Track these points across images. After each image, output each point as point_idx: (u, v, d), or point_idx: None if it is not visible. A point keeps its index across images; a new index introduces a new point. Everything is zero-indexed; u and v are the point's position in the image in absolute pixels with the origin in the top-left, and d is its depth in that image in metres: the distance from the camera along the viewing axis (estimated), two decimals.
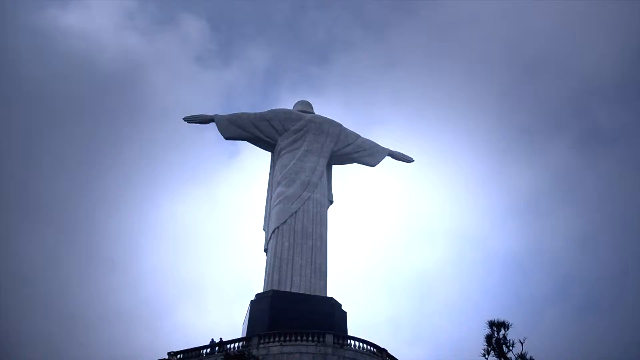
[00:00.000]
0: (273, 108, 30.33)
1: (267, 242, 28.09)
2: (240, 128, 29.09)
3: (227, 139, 29.30)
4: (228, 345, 23.34)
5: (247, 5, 68.50)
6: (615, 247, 53.99)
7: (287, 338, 22.90)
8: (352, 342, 23.34)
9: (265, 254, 28.17)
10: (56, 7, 64.41)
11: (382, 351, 23.72)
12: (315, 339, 22.70)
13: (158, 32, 65.93)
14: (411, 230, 58.38)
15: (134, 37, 63.31)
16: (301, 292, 26.04)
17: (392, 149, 31.87)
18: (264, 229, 28.79)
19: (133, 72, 60.47)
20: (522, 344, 16.64)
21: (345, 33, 68.27)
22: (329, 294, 26.78)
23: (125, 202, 49.79)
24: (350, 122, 32.32)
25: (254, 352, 21.70)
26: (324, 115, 30.90)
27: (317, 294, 26.30)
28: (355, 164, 31.25)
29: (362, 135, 31.12)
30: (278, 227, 27.40)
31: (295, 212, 27.58)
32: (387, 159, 31.52)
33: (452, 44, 62.17)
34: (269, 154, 30.23)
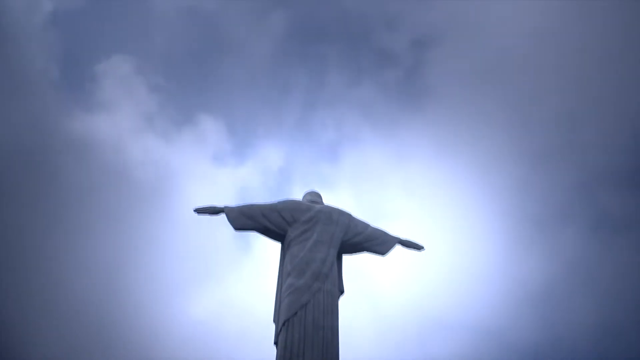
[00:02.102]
0: (283, 199, 30.58)
1: (277, 335, 27.31)
2: (250, 219, 28.91)
3: (236, 230, 29.05)
4: None
5: (261, 104, 70.70)
6: (636, 335, 53.29)
7: None
8: None
9: (275, 347, 27.57)
10: (83, 110, 66.98)
11: None
12: None
13: (176, 132, 68.34)
14: (424, 322, 57.76)
15: (153, 139, 65.55)
16: None
17: (403, 237, 31.77)
18: (274, 321, 28.22)
19: (152, 172, 62.33)
20: None
21: (354, 130, 70.15)
22: None
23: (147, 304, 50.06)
24: (361, 215, 32.56)
25: None
26: (333, 205, 31.01)
27: None
28: (365, 253, 31.15)
29: (372, 224, 31.08)
30: (288, 320, 26.69)
31: (306, 304, 26.95)
32: (398, 247, 31.29)
33: (459, 138, 63.49)
34: (279, 244, 30.16)
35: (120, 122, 62.57)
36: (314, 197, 30.38)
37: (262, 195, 67.49)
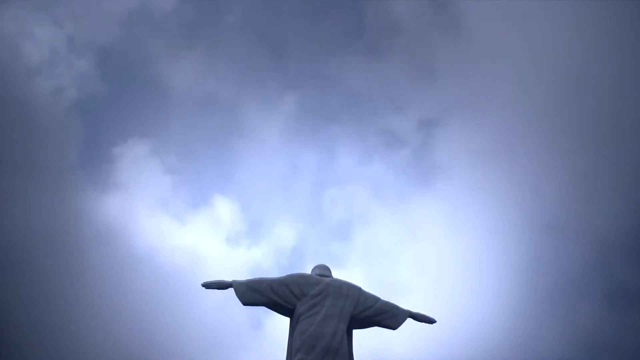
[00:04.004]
0: (291, 273, 30.42)
1: None
2: (258, 293, 28.63)
3: (245, 304, 28.72)
4: None
5: (274, 185, 72.00)
6: None
7: None
8: None
9: None
10: (98, 190, 68.67)
11: None
12: None
13: (190, 214, 69.33)
14: None
15: (168, 222, 66.47)
16: None
17: (414, 310, 31.18)
18: None
19: (167, 256, 62.82)
20: None
21: (365, 208, 70.72)
22: None
23: None
24: (373, 291, 32.39)
25: None
26: (342, 279, 30.72)
27: None
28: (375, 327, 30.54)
29: (382, 298, 30.64)
30: None
31: None
32: (410, 321, 30.67)
33: (470, 214, 63.61)
34: (287, 319, 29.73)
35: (135, 204, 63.95)
36: (323, 271, 30.18)
37: (275, 274, 67.13)
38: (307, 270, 30.87)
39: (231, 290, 28.11)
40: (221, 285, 27.99)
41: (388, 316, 29.03)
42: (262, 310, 29.50)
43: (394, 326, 29.09)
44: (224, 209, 70.76)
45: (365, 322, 28.77)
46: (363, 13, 69.83)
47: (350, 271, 59.03)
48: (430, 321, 29.74)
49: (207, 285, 27.96)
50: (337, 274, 31.61)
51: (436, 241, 64.81)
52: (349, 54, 69.13)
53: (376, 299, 29.62)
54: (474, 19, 67.03)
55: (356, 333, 29.48)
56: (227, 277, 28.35)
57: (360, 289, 29.59)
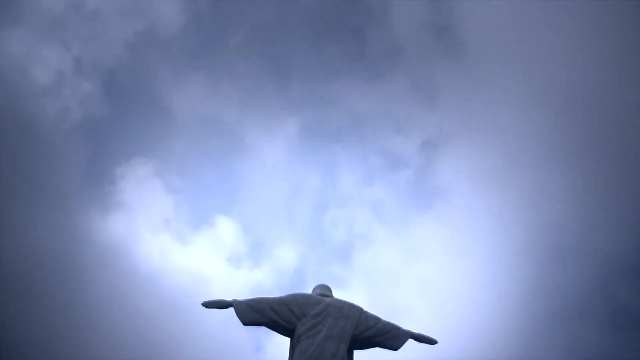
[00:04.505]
0: (292, 292, 30.37)
1: None
2: (258, 313, 28.50)
3: (245, 324, 28.57)
4: None
5: (275, 206, 72.25)
6: None
7: None
8: None
9: None
10: (101, 211, 69.13)
11: None
12: None
13: (192, 234, 69.62)
14: None
15: (170, 242, 66.78)
16: None
17: (415, 331, 31.04)
18: None
19: (169, 277, 63.00)
20: None
21: (366, 230, 70.82)
22: None
23: None
24: (374, 312, 32.43)
25: None
26: (343, 299, 30.64)
27: None
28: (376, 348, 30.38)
29: (383, 318, 30.53)
30: None
31: None
32: (411, 341, 30.51)
33: (472, 235, 63.57)
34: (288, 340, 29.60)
35: (137, 224, 64.20)
36: (324, 291, 30.13)
37: (276, 295, 67.21)
38: (308, 290, 30.83)
39: (232, 310, 28.06)
40: (221, 305, 27.96)
41: (389, 337, 28.90)
42: (264, 330, 29.37)
43: (395, 347, 28.95)
44: (226, 229, 70.84)
45: (367, 343, 28.63)
46: (365, 36, 70.62)
47: (351, 292, 58.82)
48: (432, 342, 29.59)
49: (208, 305, 27.93)
50: (339, 295, 31.46)
51: (438, 263, 64.69)
52: (351, 76, 69.76)
53: (377, 320, 29.52)
54: (474, 43, 67.71)
55: (357, 354, 29.39)
56: (228, 298, 28.35)
57: (361, 309, 29.49)
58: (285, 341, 28.75)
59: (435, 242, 65.82)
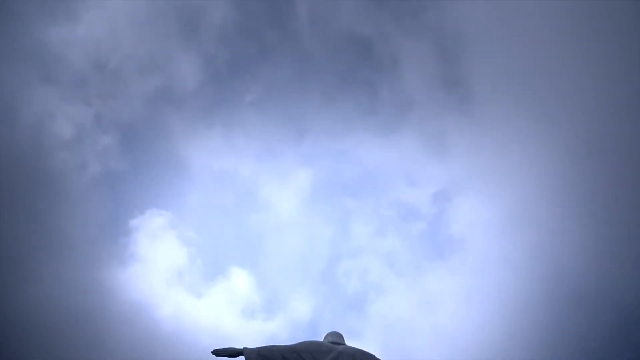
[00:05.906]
0: (303, 340, 30.22)
1: None
2: None
3: None
4: None
5: (289, 257, 72.90)
6: None
7: None
8: None
9: None
10: (116, 263, 70.07)
11: None
12: None
13: (206, 286, 70.01)
14: None
15: (184, 294, 67.18)
16: None
17: None
18: None
19: (182, 327, 63.08)
20: None
21: (379, 280, 70.84)
22: None
23: None
24: None
25: None
26: (355, 347, 30.42)
27: None
28: None
29: None
30: None
31: None
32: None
33: (487, 285, 63.19)
34: None
35: (152, 276, 64.63)
36: (336, 338, 29.99)
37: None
38: (320, 339, 30.73)
39: (242, 358, 28.06)
40: (232, 353, 27.92)
41: None
42: None
43: None
44: (240, 282, 71.08)
45: None
46: (377, 91, 72.63)
47: (366, 342, 58.09)
48: None
49: (218, 353, 27.90)
50: (353, 344, 31.37)
51: (452, 313, 64.04)
52: (363, 130, 71.45)
53: None
54: (483, 93, 69.13)
55: None
56: (239, 346, 28.34)
57: (373, 356, 29.26)
58: None
59: (449, 292, 65.43)
